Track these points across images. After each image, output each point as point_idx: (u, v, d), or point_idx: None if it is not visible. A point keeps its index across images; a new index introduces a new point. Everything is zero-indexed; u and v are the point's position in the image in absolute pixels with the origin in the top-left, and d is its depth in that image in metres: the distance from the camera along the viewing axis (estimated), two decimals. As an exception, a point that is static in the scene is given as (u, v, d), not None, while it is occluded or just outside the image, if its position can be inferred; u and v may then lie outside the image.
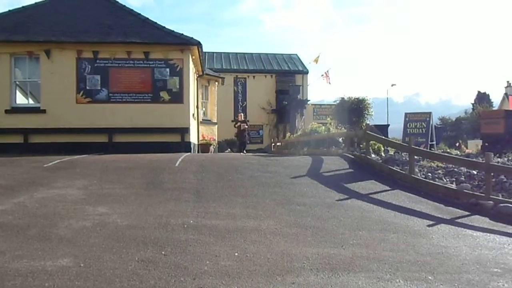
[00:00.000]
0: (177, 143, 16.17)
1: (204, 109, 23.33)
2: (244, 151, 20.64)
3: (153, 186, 8.83)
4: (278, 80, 36.14)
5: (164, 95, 16.16)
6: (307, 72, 37.13)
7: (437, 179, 11.13)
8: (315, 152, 15.17)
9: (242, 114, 24.45)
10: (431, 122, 24.53)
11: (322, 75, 35.44)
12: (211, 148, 19.66)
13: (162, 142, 15.96)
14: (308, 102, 34.86)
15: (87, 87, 16.05)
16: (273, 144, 27.22)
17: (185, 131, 16.10)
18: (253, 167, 10.45)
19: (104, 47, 16.07)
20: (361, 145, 13.71)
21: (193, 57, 17.40)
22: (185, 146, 16.27)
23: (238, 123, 22.13)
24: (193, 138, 17.38)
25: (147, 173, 9.87)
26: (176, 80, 16.08)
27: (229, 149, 26.11)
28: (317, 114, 36.33)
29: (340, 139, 15.60)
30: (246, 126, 22.03)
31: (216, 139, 23.72)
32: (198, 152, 19.00)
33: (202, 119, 22.17)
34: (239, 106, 35.17)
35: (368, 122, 17.26)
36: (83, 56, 16.03)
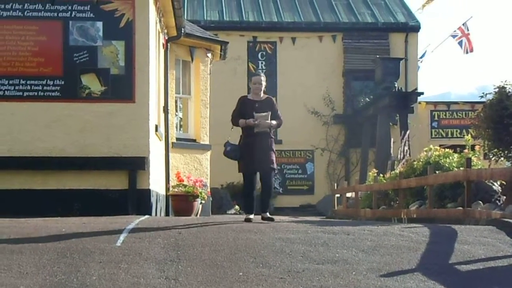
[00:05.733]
0: (120, 193, 12.60)
1: (181, 115, 18.43)
2: (267, 213, 10.61)
3: (65, 293, 7.12)
4: (348, 48, 26.10)
5: (91, 82, 12.61)
6: (417, 28, 26.91)
7: None
8: (437, 214, 12.61)
9: (263, 77, 10.90)
10: None
11: (455, 33, 27.28)
12: (197, 204, 15.13)
13: (85, 190, 12.48)
14: (420, 99, 25.72)
15: None
16: (336, 195, 21.21)
17: (138, 165, 12.59)
18: (294, 249, 8.03)
19: None
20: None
21: (157, -6, 14.66)
22: (139, 200, 12.67)
23: (254, 117, 10.23)
24: (156, 182, 13.96)
25: (52, 261, 7.51)
26: (119, 49, 12.68)
27: (236, 206, 21.72)
28: (440, 125, 27.35)
29: (497, 184, 12.68)
30: (274, 123, 10.53)
31: (209, 184, 18.14)
32: (167, 212, 15.40)
33: (177, 139, 17.21)
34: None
35: None
36: None
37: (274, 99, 10.63)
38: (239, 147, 10.13)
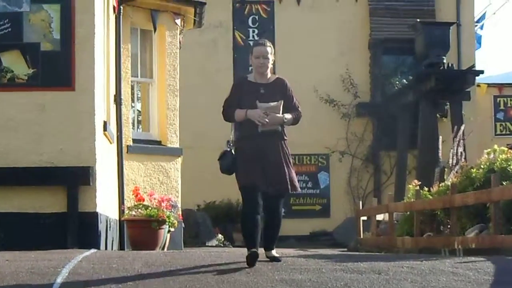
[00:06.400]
0: (56, 217, 11.38)
1: (139, 107, 17.23)
2: (273, 251, 8.80)
3: None
4: (376, 9, 23.36)
5: (14, 63, 11.71)
6: None
7: None
8: (505, 243, 11.12)
9: (269, 47, 8.35)
10: None
11: None
12: (163, 232, 13.88)
13: (8, 214, 11.24)
14: (478, 81, 23.07)
15: None
16: (362, 217, 18.19)
17: (81, 178, 11.55)
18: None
19: None
20: None
21: None
22: (82, 228, 11.55)
23: (259, 109, 8.13)
24: (105, 203, 12.65)
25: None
26: (53, 15, 11.67)
27: (220, 235, 19.98)
28: (507, 116, 24.39)
29: None
30: (288, 118, 8.36)
31: (180, 204, 16.84)
32: (121, 244, 14.13)
33: (134, 140, 15.40)
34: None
35: None
36: None
37: (286, 80, 8.37)
38: (231, 154, 8.07)
